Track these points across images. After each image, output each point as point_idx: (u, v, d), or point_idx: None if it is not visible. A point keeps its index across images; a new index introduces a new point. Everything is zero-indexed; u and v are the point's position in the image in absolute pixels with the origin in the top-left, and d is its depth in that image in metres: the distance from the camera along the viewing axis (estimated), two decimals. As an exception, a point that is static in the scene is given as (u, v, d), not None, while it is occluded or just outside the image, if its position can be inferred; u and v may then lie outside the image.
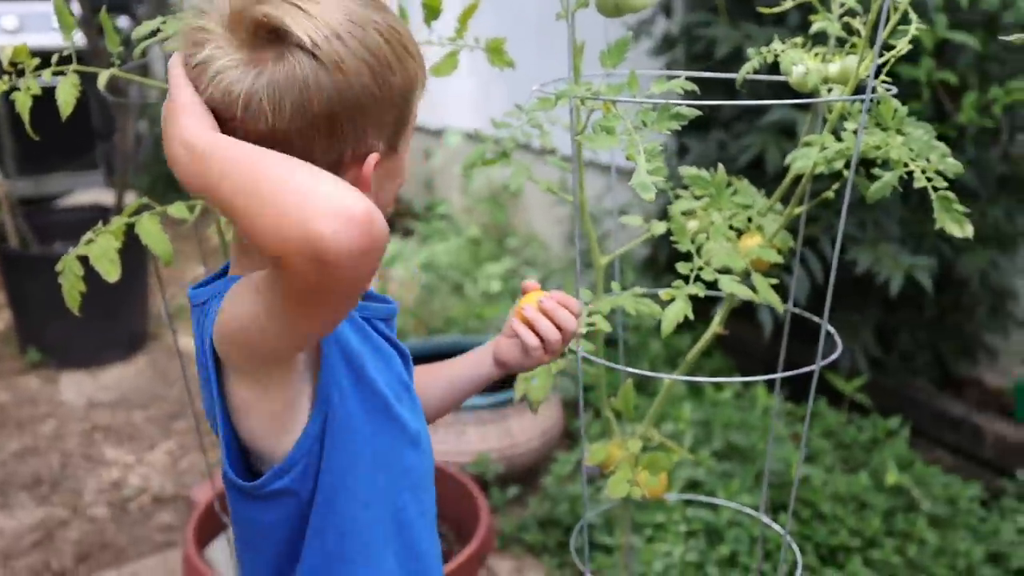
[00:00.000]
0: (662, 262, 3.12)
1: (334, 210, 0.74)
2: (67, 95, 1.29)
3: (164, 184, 4.44)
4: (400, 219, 4.58)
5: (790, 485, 2.37)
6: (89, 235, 1.35)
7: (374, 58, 0.89)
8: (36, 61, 1.31)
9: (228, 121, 0.87)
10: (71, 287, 1.32)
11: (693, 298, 1.23)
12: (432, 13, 1.47)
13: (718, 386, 2.90)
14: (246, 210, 0.79)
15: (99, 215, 3.41)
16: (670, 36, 3.01)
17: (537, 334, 1.12)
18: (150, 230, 1.36)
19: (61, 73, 1.32)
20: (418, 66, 0.97)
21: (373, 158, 0.92)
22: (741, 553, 2.28)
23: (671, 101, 1.10)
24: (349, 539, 1.01)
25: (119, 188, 3.73)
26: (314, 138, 0.89)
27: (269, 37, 0.87)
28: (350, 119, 0.90)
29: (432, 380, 1.24)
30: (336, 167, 0.90)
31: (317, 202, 0.75)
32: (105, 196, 4.30)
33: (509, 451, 2.67)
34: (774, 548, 2.37)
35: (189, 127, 0.86)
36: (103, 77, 1.33)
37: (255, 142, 0.84)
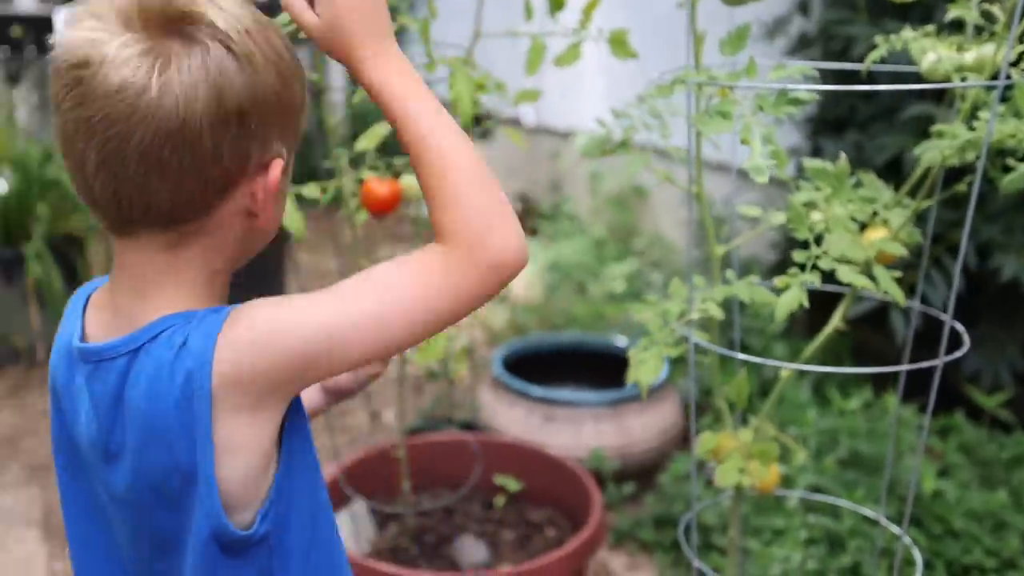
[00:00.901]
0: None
1: (521, 235, 0.87)
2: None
3: (302, 177, 4.61)
4: (527, 219, 4.64)
5: (919, 497, 2.31)
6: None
7: (280, 59, 0.88)
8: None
9: (127, 118, 0.82)
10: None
11: (819, 301, 1.22)
12: (557, 4, 1.51)
13: (846, 395, 2.84)
14: (467, 194, 0.86)
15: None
16: (806, 36, 2.97)
17: None
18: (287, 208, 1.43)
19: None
20: (302, 86, 0.94)
21: (279, 164, 0.89)
22: (864, 564, 2.23)
23: (791, 86, 1.10)
24: None
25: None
26: (225, 136, 0.84)
27: (176, 26, 0.83)
28: (259, 118, 0.87)
29: None
30: (242, 171, 0.87)
31: (515, 224, 0.87)
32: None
33: (625, 449, 2.68)
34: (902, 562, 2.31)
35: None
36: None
37: (161, 139, 0.82)
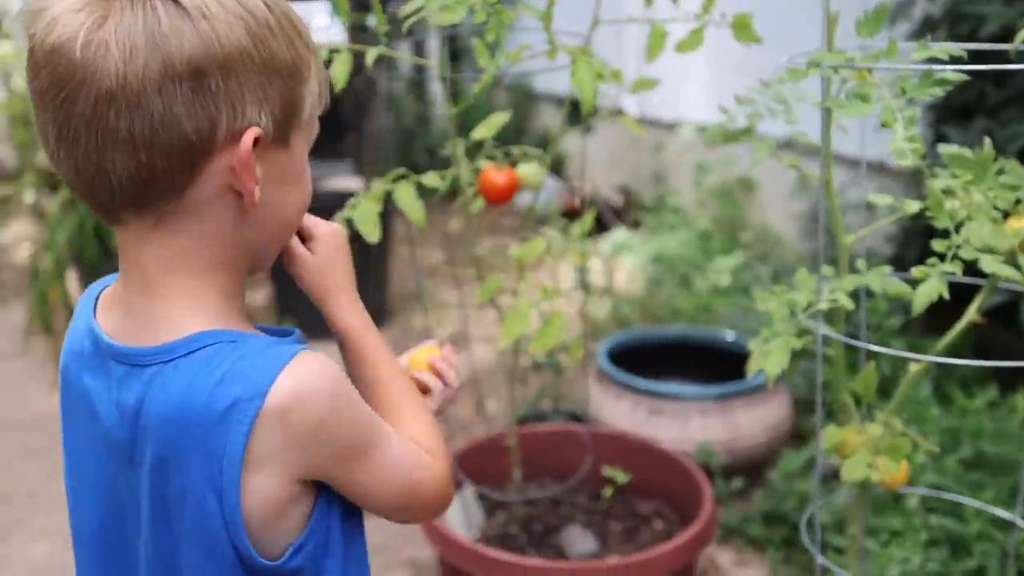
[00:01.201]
0: (910, 261, 2.99)
1: (447, 483, 0.99)
2: (340, 71, 1.40)
3: (406, 162, 4.65)
4: (628, 211, 4.61)
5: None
6: (352, 200, 1.46)
7: (251, 16, 0.81)
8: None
9: (68, 79, 0.77)
10: (368, 225, 1.43)
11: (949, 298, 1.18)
12: (679, -11, 1.49)
13: (969, 394, 2.74)
14: (415, 427, 0.99)
15: (347, 198, 3.64)
16: (931, 18, 2.87)
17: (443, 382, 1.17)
18: (406, 196, 1.45)
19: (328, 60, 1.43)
20: (310, 53, 0.88)
21: (252, 132, 0.81)
22: (990, 568, 2.14)
23: (936, 67, 1.07)
24: None
25: (368, 175, 3.94)
26: (176, 96, 0.77)
27: None
28: (223, 79, 0.79)
29: None
30: (209, 143, 0.80)
31: (443, 470, 0.98)
32: (353, 184, 4.56)
33: (733, 444, 2.64)
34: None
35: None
36: (371, 54, 1.43)
37: (104, 101, 0.76)
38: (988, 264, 1.17)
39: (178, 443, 0.83)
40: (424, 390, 1.15)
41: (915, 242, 2.89)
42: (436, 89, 5.77)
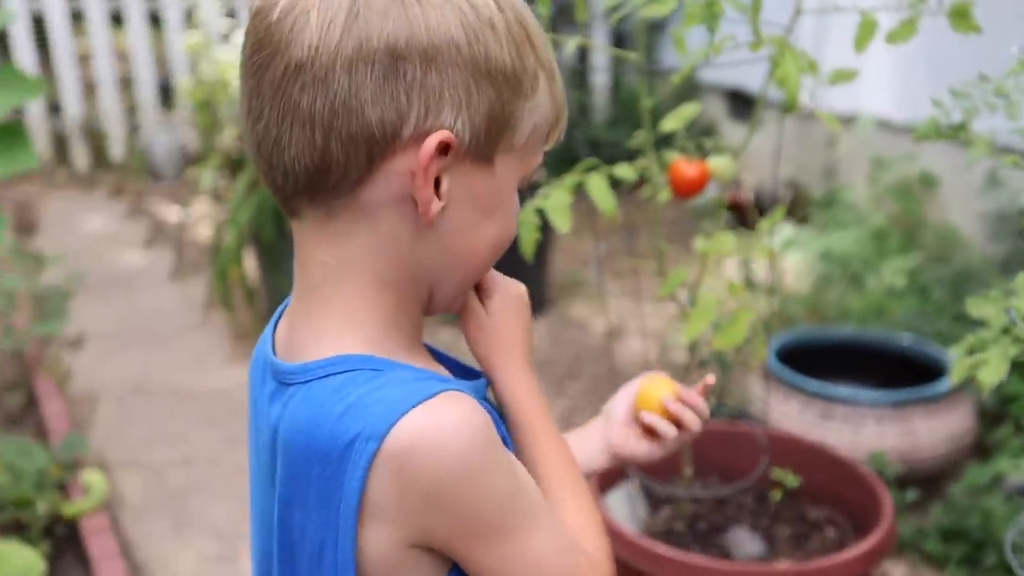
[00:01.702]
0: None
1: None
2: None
3: (566, 160, 4.66)
4: (797, 207, 4.48)
5: None
6: (543, 191, 1.46)
7: (473, 10, 0.73)
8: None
9: (264, 46, 0.73)
10: (527, 236, 1.44)
11: None
12: (892, -23, 1.43)
13: None
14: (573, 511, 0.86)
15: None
16: None
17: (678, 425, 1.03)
18: (598, 187, 1.45)
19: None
20: (541, 70, 0.79)
21: (440, 135, 0.72)
22: None
23: None
24: None
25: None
26: (365, 78, 0.71)
27: None
28: (422, 67, 0.72)
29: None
30: (392, 138, 0.72)
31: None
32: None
33: (910, 454, 2.54)
34: None
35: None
36: (572, 44, 1.43)
37: (292, 73, 0.72)
38: None
39: (300, 476, 0.76)
40: (651, 432, 1.04)
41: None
42: (598, 80, 5.75)
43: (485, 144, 0.76)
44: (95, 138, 6.14)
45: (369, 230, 0.77)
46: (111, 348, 3.86)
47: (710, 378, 1.03)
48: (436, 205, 0.75)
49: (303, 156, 0.74)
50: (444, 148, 0.74)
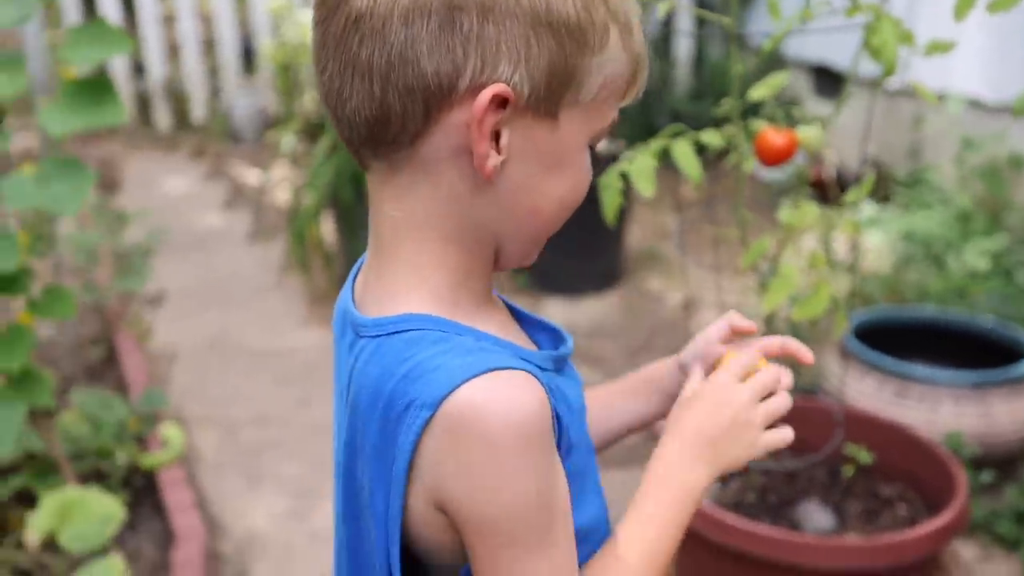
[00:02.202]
0: None
1: None
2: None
3: (647, 131, 4.65)
4: (880, 185, 4.42)
5: None
6: (627, 154, 1.48)
7: None
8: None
9: (329, 3, 0.75)
10: (610, 200, 1.46)
11: None
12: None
13: None
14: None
15: (600, 160, 3.67)
16: None
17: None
18: (684, 153, 1.46)
19: None
20: (614, 23, 0.77)
21: (495, 88, 0.72)
22: None
23: None
24: None
25: (610, 134, 3.96)
26: (422, 30, 0.71)
27: None
28: (479, 19, 0.71)
29: (608, 414, 1.06)
30: (448, 90, 0.73)
31: None
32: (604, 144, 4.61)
33: (987, 436, 2.52)
34: None
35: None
36: (663, 7, 1.44)
37: (352, 25, 0.73)
38: None
39: (364, 427, 0.77)
40: None
41: None
42: (681, 50, 5.71)
43: (547, 98, 0.75)
44: (177, 100, 6.27)
45: (430, 184, 0.77)
46: (190, 307, 3.97)
47: (807, 356, 0.99)
48: (494, 159, 0.75)
49: (363, 108, 0.75)
50: (502, 101, 0.73)
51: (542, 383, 0.76)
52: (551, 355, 0.86)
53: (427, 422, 0.72)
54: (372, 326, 0.79)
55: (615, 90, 0.80)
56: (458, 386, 0.71)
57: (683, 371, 1.02)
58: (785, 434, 0.93)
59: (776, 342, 0.99)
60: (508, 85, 0.73)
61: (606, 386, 1.08)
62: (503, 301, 0.94)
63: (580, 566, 0.82)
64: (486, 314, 0.84)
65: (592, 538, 0.87)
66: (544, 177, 0.78)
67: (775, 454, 2.29)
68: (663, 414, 1.03)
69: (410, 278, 0.80)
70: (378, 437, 0.75)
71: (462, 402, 0.71)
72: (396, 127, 0.75)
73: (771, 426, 0.93)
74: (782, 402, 0.94)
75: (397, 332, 0.77)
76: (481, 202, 0.78)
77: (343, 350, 0.85)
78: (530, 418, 0.72)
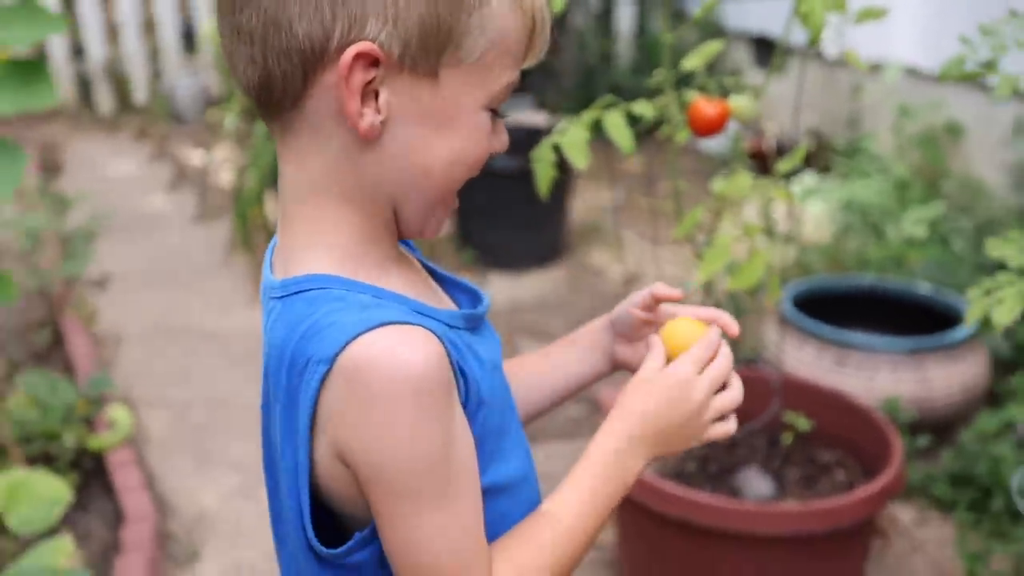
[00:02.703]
0: None
1: None
2: (557, 4, 1.39)
3: (586, 98, 4.63)
4: (819, 155, 4.45)
5: None
6: (562, 125, 1.45)
7: None
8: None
9: None
10: (543, 173, 1.44)
11: None
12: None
13: None
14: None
15: (534, 132, 3.64)
16: None
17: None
18: (615, 123, 1.44)
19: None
20: None
21: (358, 47, 0.72)
22: None
23: None
24: None
25: (551, 110, 3.95)
26: None
27: None
28: None
29: (541, 376, 1.06)
30: (320, 52, 0.73)
31: None
32: (538, 119, 4.58)
33: (924, 401, 2.54)
34: None
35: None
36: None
37: None
38: None
39: (275, 388, 0.78)
40: None
41: None
42: (623, 25, 5.69)
43: (423, 57, 0.75)
44: (119, 81, 6.15)
45: (319, 145, 0.78)
46: (135, 288, 3.89)
47: (733, 328, 0.96)
48: (370, 118, 0.75)
49: (250, 72, 0.77)
50: (373, 60, 0.73)
51: (441, 339, 0.76)
52: (462, 313, 0.86)
53: (324, 377, 0.73)
54: (279, 288, 0.80)
55: (505, 51, 0.78)
56: (351, 340, 0.72)
57: (614, 329, 1.04)
58: (729, 427, 0.92)
59: (707, 313, 0.98)
60: (375, 43, 0.73)
61: (541, 350, 1.08)
62: (422, 263, 0.94)
63: (505, 519, 0.84)
64: (393, 273, 0.84)
65: (516, 492, 0.88)
66: (432, 137, 0.78)
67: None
68: (600, 373, 1.05)
69: (311, 238, 0.80)
70: (285, 395, 0.76)
71: (355, 356, 0.72)
72: (279, 90, 0.76)
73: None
74: (734, 396, 0.92)
75: (299, 292, 0.78)
76: (370, 161, 0.78)
77: (265, 319, 0.85)
78: (422, 371, 0.72)
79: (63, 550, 2.07)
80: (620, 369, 1.05)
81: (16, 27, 2.06)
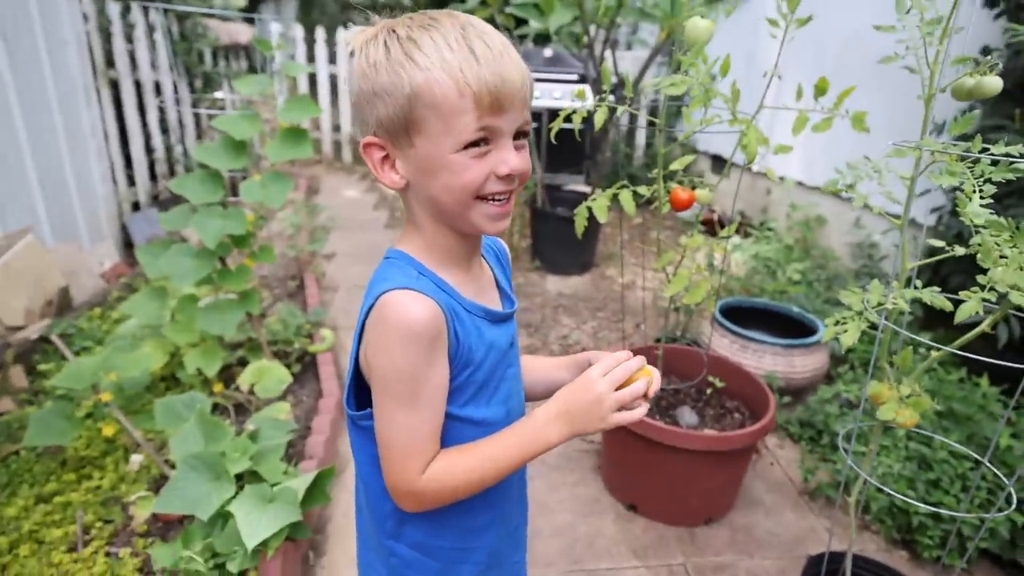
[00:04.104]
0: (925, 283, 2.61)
1: (400, 497, 0.72)
2: (600, 118, 1.33)
3: (614, 180, 4.52)
4: (743, 226, 4.29)
5: (996, 448, 1.91)
6: (592, 197, 1.39)
7: (371, 66, 0.69)
8: (587, 99, 1.36)
9: None
10: (580, 222, 1.38)
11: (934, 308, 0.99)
12: (820, 92, 1.31)
13: (947, 369, 2.39)
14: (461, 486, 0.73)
15: (581, 196, 3.55)
16: (967, 133, 2.43)
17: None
18: (625, 197, 1.37)
19: (593, 109, 1.36)
20: (422, 70, 0.67)
21: (364, 140, 0.72)
22: (944, 480, 1.88)
23: (1014, 159, 0.88)
24: None
25: (594, 184, 3.85)
26: (359, 110, 0.72)
27: None
28: (361, 102, 0.71)
29: (537, 372, 0.93)
30: (360, 146, 0.74)
31: (401, 490, 0.73)
32: (584, 187, 4.49)
33: (789, 375, 2.43)
34: (972, 485, 1.93)
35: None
36: (620, 111, 1.35)
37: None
38: (1016, 297, 0.97)
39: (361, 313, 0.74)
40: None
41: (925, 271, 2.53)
42: (639, 141, 5.54)
43: (400, 136, 0.70)
44: (356, 145, 6.18)
45: (406, 192, 0.74)
46: (348, 262, 3.90)
47: (655, 387, 0.78)
48: (393, 177, 0.72)
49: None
50: (380, 146, 0.71)
51: (445, 309, 0.71)
52: (482, 307, 0.77)
53: (370, 307, 0.70)
54: (386, 254, 0.78)
55: (451, 111, 0.68)
56: (387, 291, 0.69)
57: (583, 364, 0.89)
58: (636, 413, 0.76)
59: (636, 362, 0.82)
60: (373, 135, 0.71)
61: (550, 358, 0.95)
62: (498, 279, 0.85)
63: (458, 445, 0.75)
64: (448, 266, 0.76)
65: (486, 430, 0.78)
66: (428, 179, 0.71)
67: (668, 378, 2.22)
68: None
69: (404, 237, 0.77)
70: (363, 312, 0.73)
71: (384, 300, 0.69)
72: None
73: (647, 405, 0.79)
74: (633, 390, 0.76)
75: (388, 258, 0.76)
76: (415, 198, 0.74)
77: None
78: (413, 320, 0.68)
79: (283, 409, 2.08)
80: None
81: (295, 111, 2.09)
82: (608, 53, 3.60)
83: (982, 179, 0.87)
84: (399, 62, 0.68)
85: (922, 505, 1.16)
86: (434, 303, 0.69)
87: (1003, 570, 1.81)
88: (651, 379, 0.77)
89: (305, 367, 2.60)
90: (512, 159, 0.72)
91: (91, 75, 3.34)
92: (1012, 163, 0.86)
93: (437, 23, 0.68)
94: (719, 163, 4.83)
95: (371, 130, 0.71)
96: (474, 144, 0.70)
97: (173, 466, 1.77)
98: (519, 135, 0.72)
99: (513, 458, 0.74)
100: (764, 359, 2.44)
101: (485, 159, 0.71)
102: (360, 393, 0.77)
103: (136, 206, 4.04)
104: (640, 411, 0.76)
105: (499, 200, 0.73)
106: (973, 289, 1.01)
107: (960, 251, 1.14)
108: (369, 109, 0.70)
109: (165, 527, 1.66)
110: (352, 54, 0.71)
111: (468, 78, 0.67)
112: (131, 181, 4.07)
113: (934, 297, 1.07)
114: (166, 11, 4.10)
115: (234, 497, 1.37)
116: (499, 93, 0.68)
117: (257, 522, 1.32)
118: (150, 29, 4.14)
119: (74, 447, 1.94)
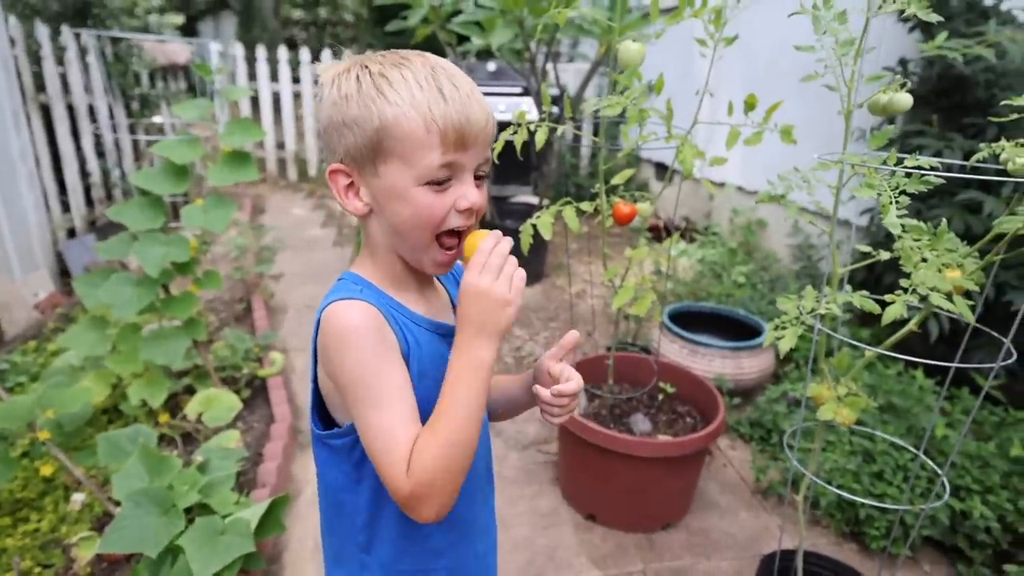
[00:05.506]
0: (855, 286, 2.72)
1: (400, 495, 0.68)
2: (540, 138, 1.33)
3: (562, 195, 4.56)
4: (688, 231, 4.39)
5: (932, 438, 1.99)
6: (537, 215, 1.40)
7: (342, 98, 0.70)
8: (529, 119, 1.37)
9: None
10: (526, 240, 1.38)
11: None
12: (749, 107, 1.36)
13: (885, 364, 2.49)
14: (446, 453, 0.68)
15: (530, 208, 3.57)
16: (892, 138, 2.55)
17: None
18: (569, 213, 1.39)
19: (534, 128, 1.37)
20: (391, 105, 0.68)
21: (331, 167, 0.73)
22: (887, 472, 1.95)
23: (924, 171, 0.92)
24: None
25: (542, 195, 3.88)
26: (327, 138, 0.73)
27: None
28: (329, 130, 0.72)
29: (492, 395, 0.91)
30: (327, 173, 0.75)
31: (399, 485, 0.69)
32: (532, 199, 4.51)
33: (737, 377, 2.48)
34: (912, 475, 2.02)
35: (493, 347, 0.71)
36: (561, 130, 1.36)
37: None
38: (936, 298, 1.02)
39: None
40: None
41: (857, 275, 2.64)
42: (584, 151, 5.62)
43: (366, 164, 0.71)
44: (300, 163, 6.08)
45: (369, 219, 0.75)
46: (297, 282, 3.82)
47: (573, 382, 0.79)
48: (356, 204, 0.73)
49: None
50: (345, 172, 0.72)
51: (385, 314, 0.72)
52: (434, 321, 0.78)
53: (319, 321, 0.71)
54: (340, 276, 0.78)
55: (415, 146, 0.69)
56: (329, 304, 0.71)
57: (539, 374, 0.84)
58: (571, 398, 0.77)
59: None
60: (341, 163, 0.72)
61: (506, 375, 0.93)
62: (453, 297, 0.84)
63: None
64: (399, 286, 0.77)
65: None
66: (391, 207, 0.72)
67: (620, 386, 2.24)
68: (526, 400, 0.87)
69: (362, 259, 0.78)
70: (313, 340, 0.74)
71: (324, 314, 0.71)
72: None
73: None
74: (501, 251, 0.72)
75: (340, 279, 0.77)
76: (375, 224, 0.75)
77: None
78: (355, 324, 0.69)
79: (233, 437, 2.02)
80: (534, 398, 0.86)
81: (238, 135, 2.03)
82: (550, 66, 3.64)
83: (898, 191, 0.91)
84: (370, 96, 0.69)
85: (865, 500, 1.20)
86: (368, 303, 0.71)
87: (946, 555, 1.88)
88: (500, 238, 0.73)
89: (255, 392, 2.53)
90: (472, 193, 0.72)
91: (20, 99, 3.17)
92: (923, 176, 0.90)
93: (408, 62, 0.70)
94: (662, 170, 4.95)
95: (338, 158, 0.72)
96: (436, 182, 0.71)
97: (118, 503, 1.68)
98: (478, 176, 0.73)
99: (471, 393, 0.69)
100: (713, 362, 2.49)
101: (447, 193, 0.72)
102: (323, 412, 0.78)
103: (72, 232, 3.85)
104: (575, 382, 0.77)
105: (450, 249, 0.74)
106: (897, 292, 1.05)
107: (885, 255, 1.19)
108: (338, 138, 0.71)
109: (110, 567, 1.57)
110: (320, 84, 0.72)
111: (435, 115, 0.68)
112: (65, 207, 3.88)
113: (863, 300, 1.11)
114: (98, 35, 3.94)
115: (183, 531, 1.31)
116: (464, 131, 0.69)
117: (209, 556, 1.26)
118: (82, 51, 3.97)
119: (9, 489, 1.82)
